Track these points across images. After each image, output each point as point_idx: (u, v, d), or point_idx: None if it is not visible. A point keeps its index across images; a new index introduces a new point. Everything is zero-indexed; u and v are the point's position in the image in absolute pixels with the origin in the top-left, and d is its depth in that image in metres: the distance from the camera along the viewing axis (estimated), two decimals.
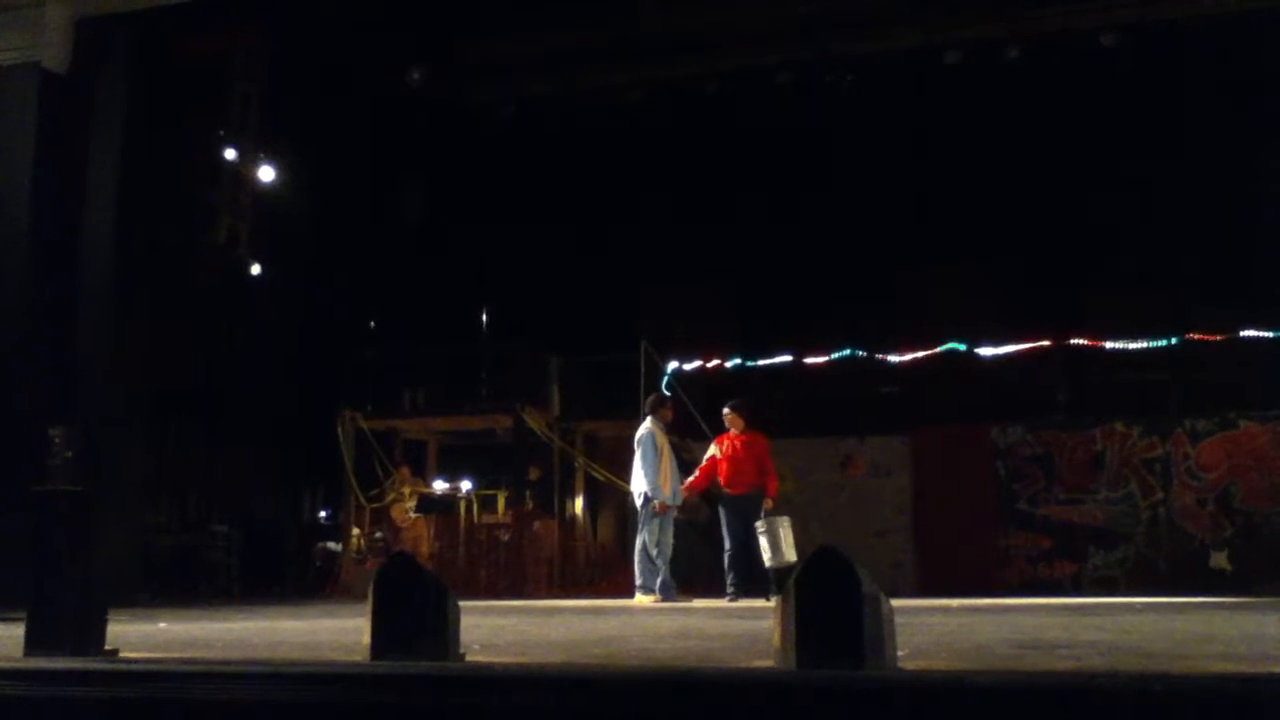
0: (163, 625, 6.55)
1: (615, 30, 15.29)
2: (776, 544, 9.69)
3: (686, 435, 14.93)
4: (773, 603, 8.51)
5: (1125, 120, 14.42)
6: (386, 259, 17.08)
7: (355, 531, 15.03)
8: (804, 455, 14.15)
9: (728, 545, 10.22)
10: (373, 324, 17.54)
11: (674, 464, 10.37)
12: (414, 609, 3.20)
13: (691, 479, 10.54)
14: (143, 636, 5.25)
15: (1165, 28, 14.35)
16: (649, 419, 10.44)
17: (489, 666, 3.17)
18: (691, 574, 11.45)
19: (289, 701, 2.86)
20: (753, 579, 9.97)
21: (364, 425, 14.95)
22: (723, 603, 9.80)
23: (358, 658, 3.32)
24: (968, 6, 14.63)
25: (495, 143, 17.01)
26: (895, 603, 3.42)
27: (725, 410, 10.66)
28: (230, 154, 15.64)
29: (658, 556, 10.05)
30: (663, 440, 10.31)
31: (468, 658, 3.39)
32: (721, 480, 10.40)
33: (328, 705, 2.73)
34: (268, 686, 2.96)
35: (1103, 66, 14.59)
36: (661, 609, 8.89)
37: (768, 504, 10.06)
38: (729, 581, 10.15)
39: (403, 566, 3.32)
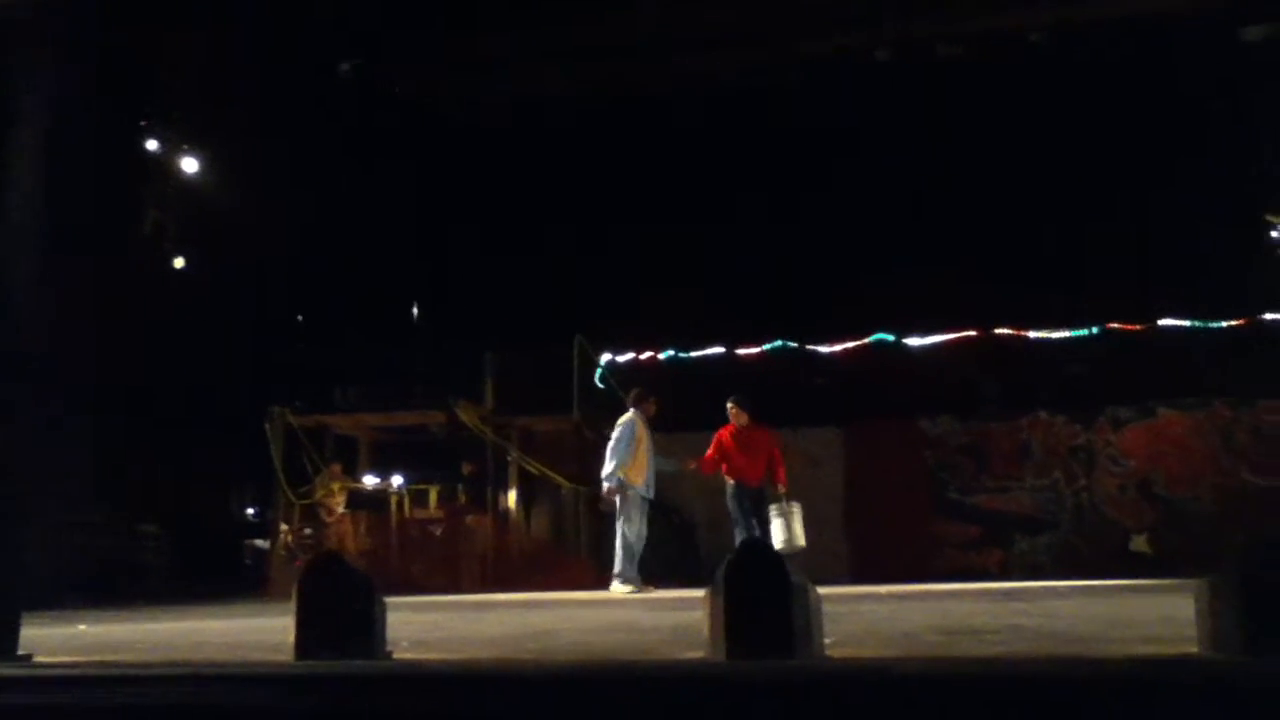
0: (83, 628, 6.39)
1: (552, 31, 15.22)
2: (790, 529, 10.01)
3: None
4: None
5: (1049, 117, 14.68)
6: (317, 254, 16.82)
7: (284, 529, 14.82)
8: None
9: (740, 533, 10.31)
10: (301, 319, 17.27)
11: (651, 456, 10.47)
12: (339, 607, 3.15)
13: (696, 462, 10.73)
14: (61, 640, 5.11)
15: (1092, 27, 14.64)
16: (632, 410, 10.56)
17: (417, 664, 3.13)
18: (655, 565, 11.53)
19: (210, 704, 2.79)
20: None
21: (294, 422, 14.75)
22: (686, 593, 9.79)
23: (283, 658, 3.26)
24: (901, 5, 14.79)
25: (428, 137, 16.84)
26: (828, 591, 3.46)
27: (729, 404, 10.78)
28: (153, 145, 15.29)
29: (636, 542, 10.15)
30: (643, 432, 10.41)
31: (396, 655, 3.35)
32: (732, 473, 10.56)
33: (250, 708, 2.68)
34: (188, 689, 2.89)
35: (1029, 65, 14.85)
36: (632, 599, 8.92)
37: (781, 489, 10.33)
38: None
39: (328, 564, 3.26)
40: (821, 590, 3.22)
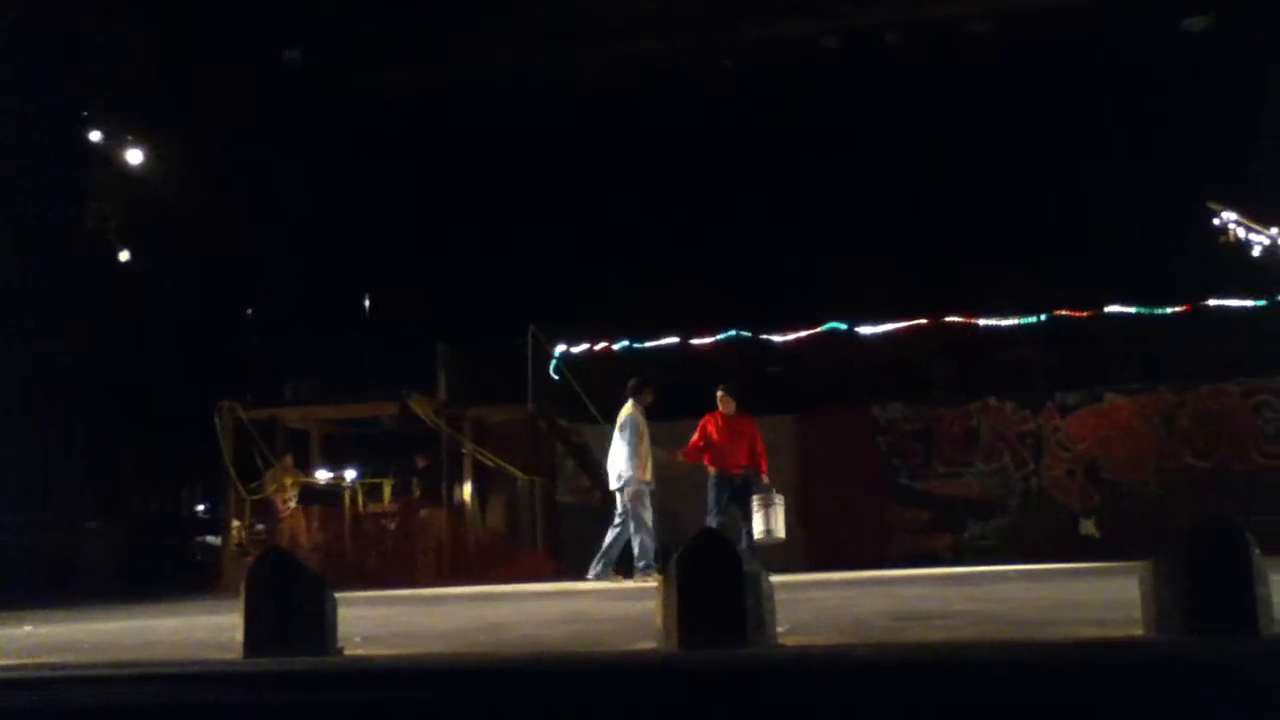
0: (29, 629, 6.28)
1: (494, 16, 15.15)
2: (773, 519, 10.12)
3: (578, 419, 14.93)
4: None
5: (997, 106, 14.84)
6: (267, 245, 16.62)
7: (235, 524, 14.65)
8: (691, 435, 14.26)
9: (711, 522, 10.24)
10: (251, 311, 17.06)
11: (649, 447, 10.45)
12: (289, 603, 3.12)
13: (682, 453, 10.70)
14: (6, 641, 5.03)
15: (1038, 16, 14.80)
16: (630, 402, 10.53)
17: (367, 659, 3.11)
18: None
19: (159, 704, 2.76)
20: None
21: (244, 415, 14.56)
22: (642, 583, 9.79)
23: (232, 656, 3.23)
24: None
25: (380, 127, 16.68)
26: (782, 578, 3.48)
27: (719, 392, 10.82)
28: (96, 136, 15.01)
29: (650, 531, 10.18)
30: (643, 424, 10.42)
31: (347, 651, 3.32)
32: (713, 461, 10.58)
33: (197, 706, 2.65)
34: (136, 689, 2.85)
35: (973, 53, 14.99)
36: (593, 588, 8.94)
37: (764, 480, 10.40)
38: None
39: (276, 560, 3.23)
40: (776, 578, 3.24)
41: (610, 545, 10.33)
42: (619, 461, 10.32)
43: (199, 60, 14.99)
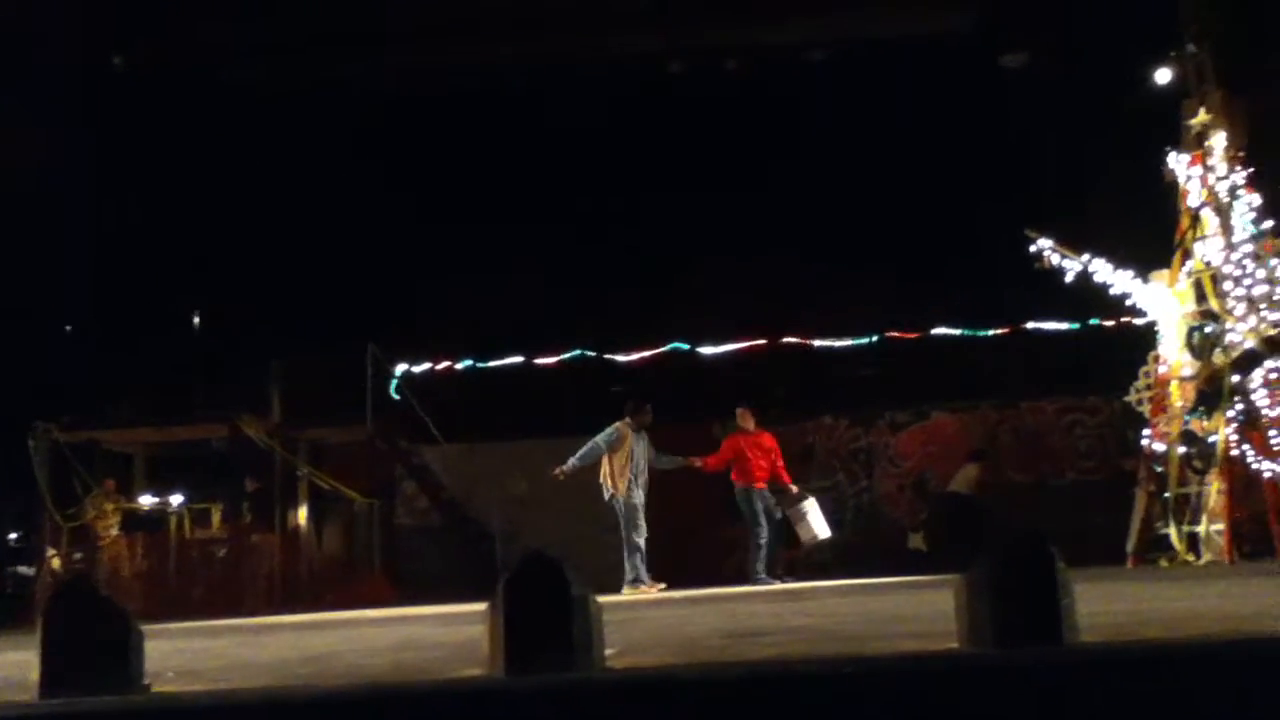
0: None
1: (342, 21, 14.82)
2: (818, 522, 11.07)
3: (419, 440, 14.68)
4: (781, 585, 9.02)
5: (832, 134, 15.32)
6: (85, 257, 15.78)
7: (51, 553, 13.86)
8: (536, 455, 14.18)
9: (762, 536, 11.05)
10: (70, 328, 16.20)
11: (635, 463, 10.80)
12: (88, 638, 2.93)
13: (701, 461, 11.38)
14: None
15: (870, 47, 15.35)
16: (626, 418, 10.96)
17: (173, 697, 2.95)
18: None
19: None
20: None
21: (60, 438, 13.82)
22: (480, 606, 9.71)
23: (25, 697, 3.02)
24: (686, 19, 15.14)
25: (212, 132, 16.04)
26: (621, 597, 3.46)
27: (739, 410, 11.48)
28: None
29: (639, 544, 10.64)
30: (629, 438, 10.76)
31: (156, 688, 3.15)
32: (743, 476, 11.17)
33: None
34: None
35: (809, 81, 15.46)
36: (424, 615, 8.74)
37: (793, 488, 11.23)
38: (758, 570, 10.97)
39: (76, 592, 3.04)
40: (615, 597, 3.22)
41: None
42: (604, 478, 10.78)
43: (17, 63, 14.18)
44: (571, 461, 10.81)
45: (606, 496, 10.88)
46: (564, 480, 11.00)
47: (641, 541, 10.73)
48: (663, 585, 10.73)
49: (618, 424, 10.96)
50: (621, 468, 10.74)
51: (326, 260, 15.96)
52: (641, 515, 10.82)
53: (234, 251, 15.74)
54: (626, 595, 10.31)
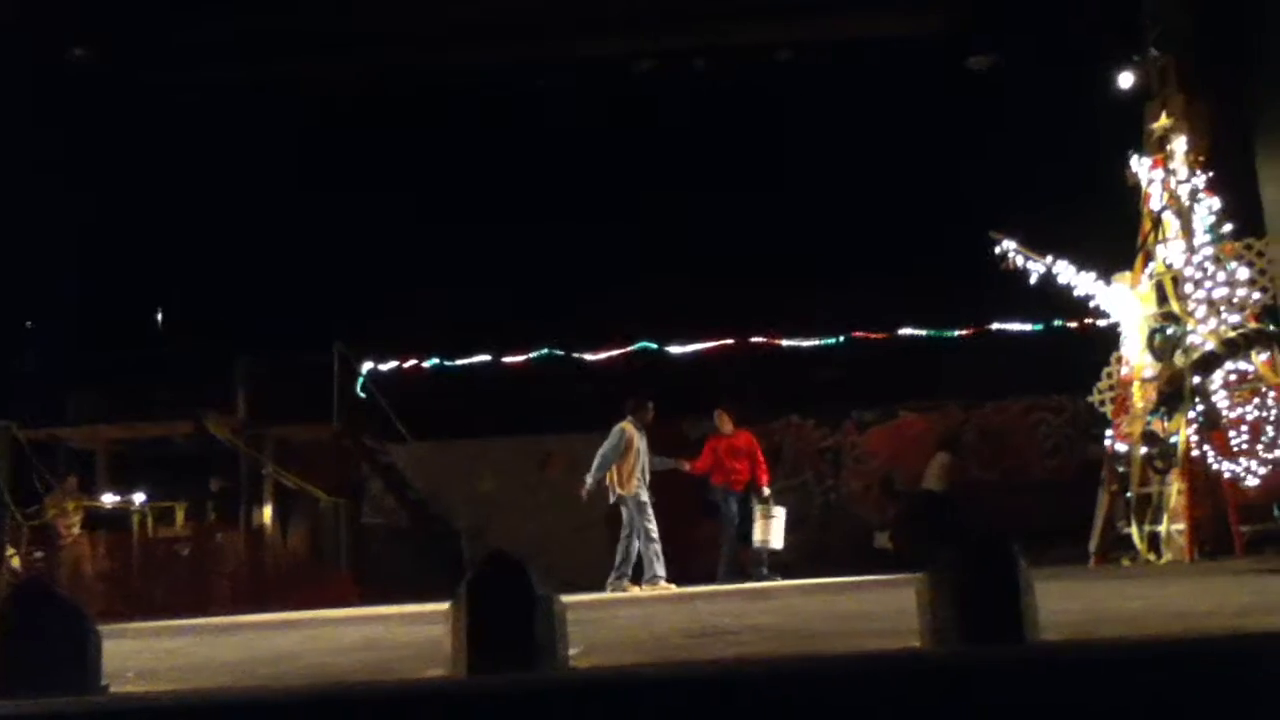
0: None
1: (301, 18, 14.69)
2: (770, 530, 11.12)
3: (385, 438, 14.60)
4: (764, 584, 9.13)
5: (797, 133, 15.34)
6: (48, 252, 15.55)
7: (11, 552, 13.67)
8: (504, 454, 14.19)
9: (731, 534, 11.30)
10: (30, 324, 15.97)
11: (641, 462, 10.77)
12: (45, 639, 2.89)
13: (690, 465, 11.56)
14: None
15: (834, 48, 15.41)
16: (629, 418, 10.90)
17: (129, 698, 2.92)
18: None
19: None
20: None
21: (20, 436, 13.64)
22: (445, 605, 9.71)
23: None
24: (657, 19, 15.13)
25: (174, 128, 15.86)
26: (591, 598, 3.44)
27: (717, 412, 11.56)
28: None
29: (654, 541, 10.65)
30: (634, 438, 10.72)
31: (115, 689, 3.11)
32: (722, 477, 11.32)
33: None
34: None
35: (774, 81, 15.49)
36: (379, 614, 8.73)
37: (765, 491, 11.29)
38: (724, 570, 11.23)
39: (31, 592, 3.00)
40: (583, 597, 3.22)
41: (622, 559, 10.68)
42: (605, 477, 10.77)
43: None
44: (590, 480, 10.79)
45: (612, 499, 10.83)
46: (587, 497, 11.03)
47: (657, 538, 10.75)
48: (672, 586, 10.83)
49: (621, 425, 10.91)
50: (630, 468, 10.73)
51: (293, 257, 15.80)
52: (650, 512, 10.83)
53: (198, 247, 15.56)
54: (645, 591, 10.42)
